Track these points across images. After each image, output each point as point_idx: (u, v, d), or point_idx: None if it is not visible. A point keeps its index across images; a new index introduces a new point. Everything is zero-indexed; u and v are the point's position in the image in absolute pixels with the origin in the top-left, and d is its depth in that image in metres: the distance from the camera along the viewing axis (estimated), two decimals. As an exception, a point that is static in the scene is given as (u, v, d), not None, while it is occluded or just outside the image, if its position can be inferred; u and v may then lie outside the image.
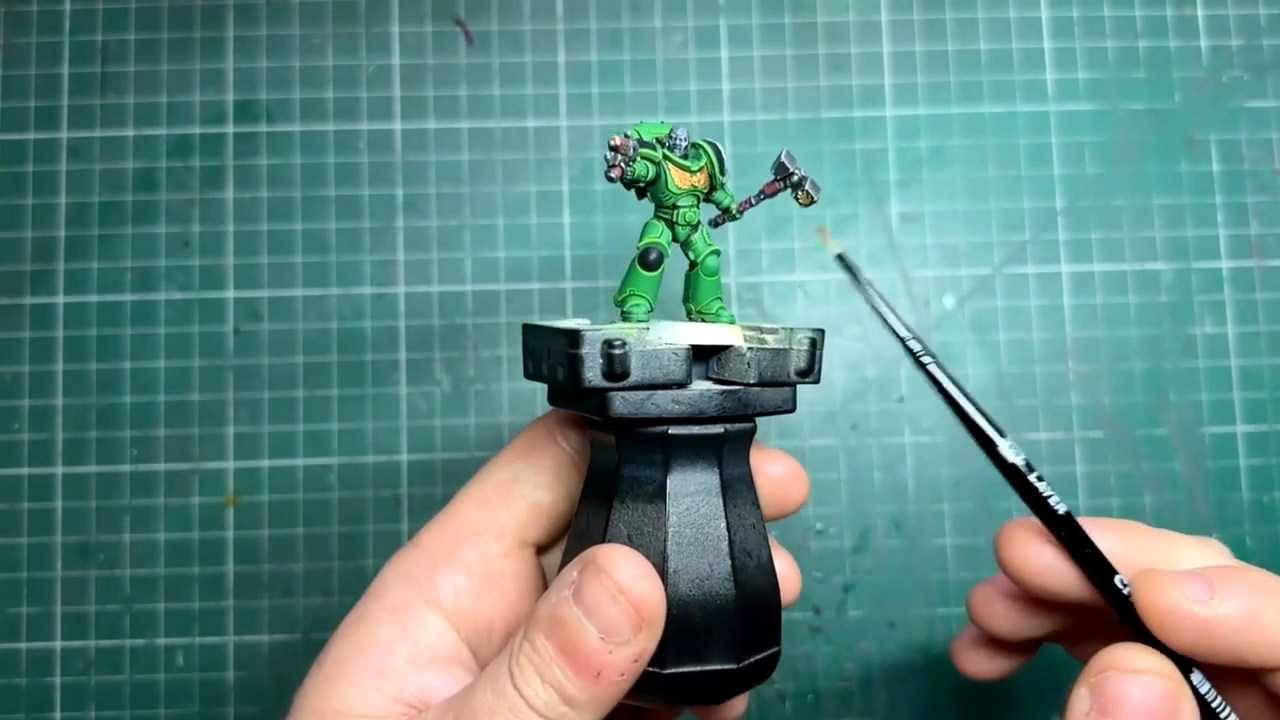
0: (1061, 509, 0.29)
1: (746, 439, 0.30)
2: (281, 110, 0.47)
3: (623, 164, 0.29)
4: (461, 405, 0.46)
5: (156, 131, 0.47)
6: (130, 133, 0.47)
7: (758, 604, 0.29)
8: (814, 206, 0.31)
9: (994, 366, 0.47)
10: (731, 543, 0.28)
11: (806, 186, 0.31)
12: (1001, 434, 0.29)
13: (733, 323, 0.30)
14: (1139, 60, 0.49)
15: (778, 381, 0.29)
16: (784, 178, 0.31)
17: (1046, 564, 0.29)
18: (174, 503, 0.45)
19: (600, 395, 0.27)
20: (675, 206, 0.30)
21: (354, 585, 0.45)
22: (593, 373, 0.27)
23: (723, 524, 0.28)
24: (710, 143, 0.30)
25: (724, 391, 0.28)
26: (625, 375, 0.27)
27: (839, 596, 0.46)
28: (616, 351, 0.27)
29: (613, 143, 0.29)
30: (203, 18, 0.48)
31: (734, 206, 0.32)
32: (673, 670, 0.27)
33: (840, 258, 0.30)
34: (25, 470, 0.45)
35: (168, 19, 0.48)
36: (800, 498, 0.34)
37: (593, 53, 0.48)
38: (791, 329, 0.30)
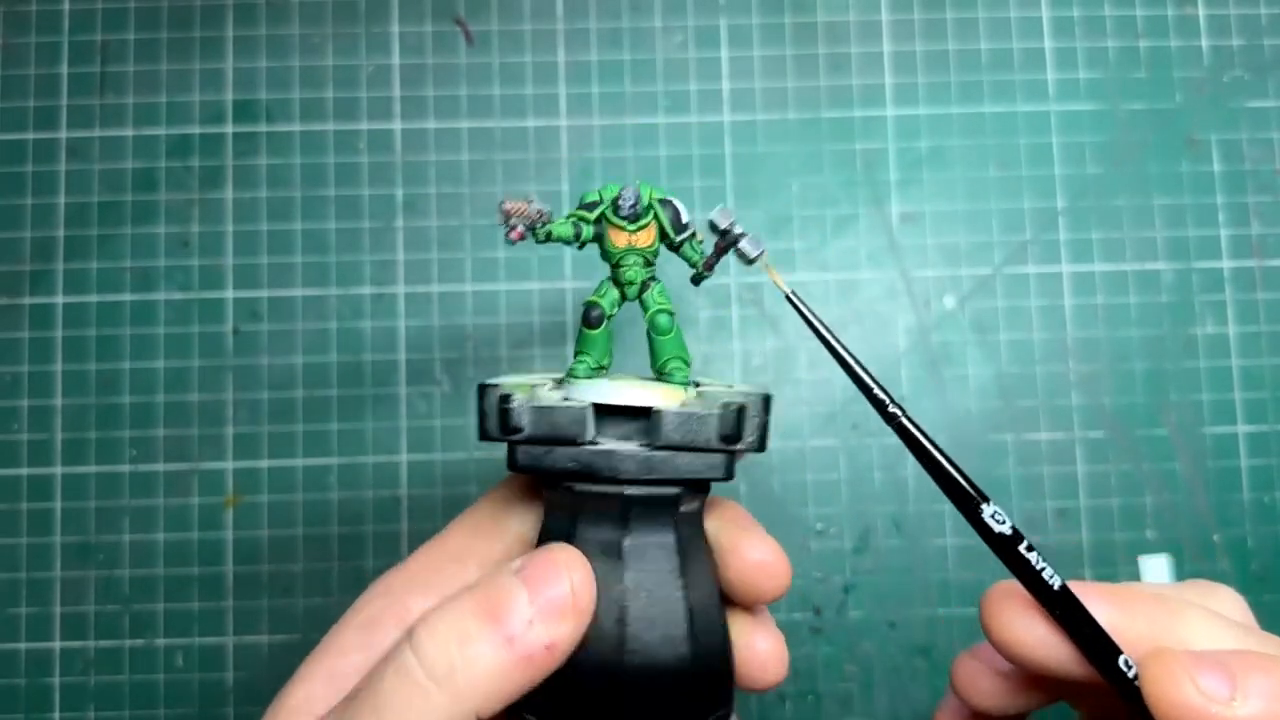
0: (1056, 583, 0.27)
1: (664, 505, 0.29)
2: (281, 110, 0.47)
3: (521, 227, 0.29)
4: (461, 405, 0.46)
5: (156, 131, 0.47)
6: (129, 133, 0.47)
7: (663, 670, 0.28)
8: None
9: (994, 366, 0.47)
10: (624, 608, 0.28)
11: (742, 245, 0.30)
12: (985, 499, 0.27)
13: (684, 384, 0.30)
14: (1140, 60, 0.49)
15: (695, 447, 0.28)
16: (721, 235, 0.30)
17: (1040, 638, 0.27)
18: (173, 503, 0.45)
19: (509, 445, 0.29)
20: (618, 265, 0.30)
21: (353, 585, 0.45)
22: (492, 425, 0.28)
23: (620, 587, 0.28)
24: (665, 201, 0.30)
25: (625, 451, 0.28)
26: (519, 430, 0.28)
27: (839, 596, 0.46)
28: (507, 407, 0.28)
29: (504, 207, 0.29)
30: (202, 17, 0.48)
31: (700, 265, 0.31)
32: None
33: (791, 299, 0.29)
34: (24, 470, 0.45)
35: (167, 19, 0.47)
36: (776, 591, 0.31)
37: (593, 52, 0.48)
38: (733, 388, 0.29)
